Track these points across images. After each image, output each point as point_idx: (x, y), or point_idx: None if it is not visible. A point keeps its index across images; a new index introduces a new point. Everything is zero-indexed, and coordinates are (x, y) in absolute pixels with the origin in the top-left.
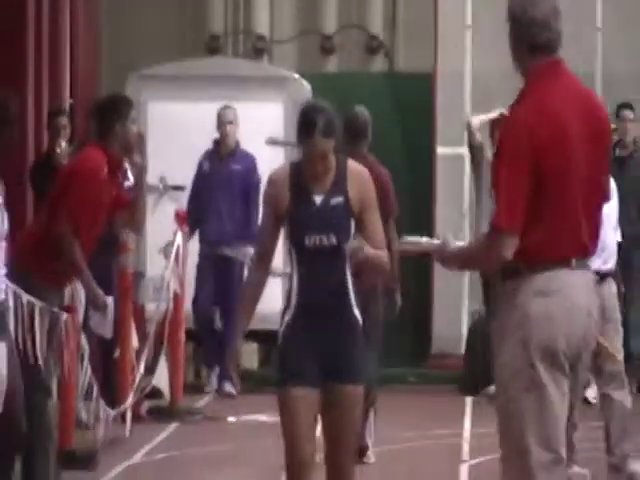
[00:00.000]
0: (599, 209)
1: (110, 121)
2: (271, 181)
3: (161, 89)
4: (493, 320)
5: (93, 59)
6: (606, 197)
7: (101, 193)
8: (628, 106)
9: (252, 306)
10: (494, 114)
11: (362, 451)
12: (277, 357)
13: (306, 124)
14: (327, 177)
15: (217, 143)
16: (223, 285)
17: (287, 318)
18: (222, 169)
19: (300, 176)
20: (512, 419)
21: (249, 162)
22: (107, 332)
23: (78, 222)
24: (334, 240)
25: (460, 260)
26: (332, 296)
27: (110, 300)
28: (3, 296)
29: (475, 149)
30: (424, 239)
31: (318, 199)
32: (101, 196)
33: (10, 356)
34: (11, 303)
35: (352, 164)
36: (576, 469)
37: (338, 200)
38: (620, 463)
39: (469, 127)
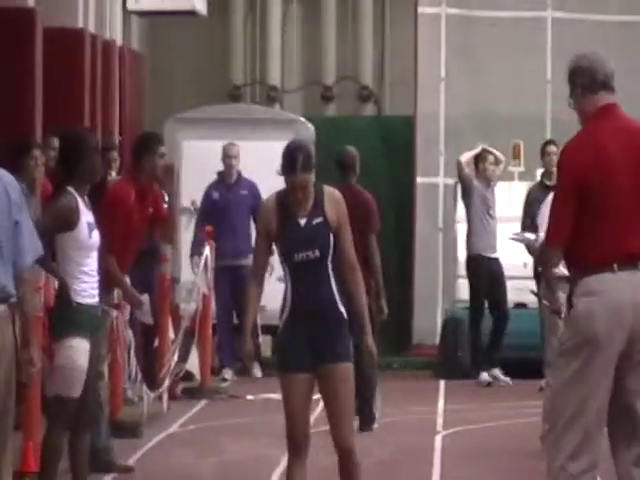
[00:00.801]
0: None
1: (140, 155)
2: (262, 209)
3: (192, 130)
4: None
5: (138, 105)
6: None
7: (129, 215)
8: (552, 142)
9: (254, 308)
10: (477, 150)
11: (372, 419)
12: (276, 349)
13: (289, 162)
14: (308, 202)
15: (221, 174)
16: (238, 291)
17: (284, 317)
18: (231, 195)
19: (286, 203)
20: (557, 397)
21: (253, 188)
22: (149, 319)
23: (111, 240)
24: (318, 254)
25: (536, 258)
26: (319, 299)
27: (145, 297)
28: (98, 301)
29: (464, 180)
30: (527, 234)
31: (302, 221)
32: (130, 217)
33: (92, 353)
34: None
35: (327, 188)
36: None
37: (319, 220)
38: (543, 437)
39: (459, 164)
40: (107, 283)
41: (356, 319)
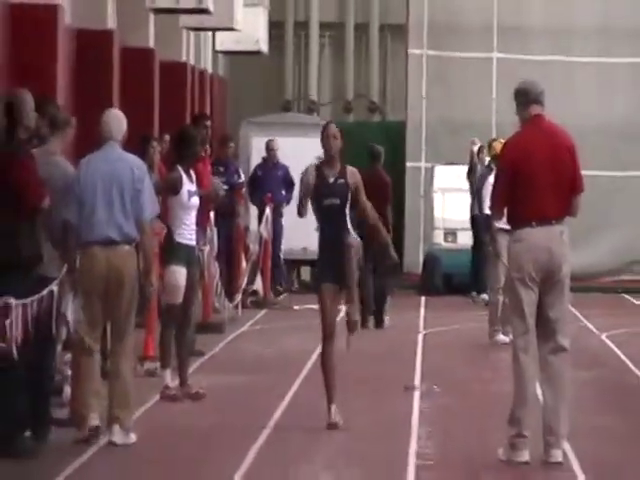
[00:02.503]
0: (567, 193)
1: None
2: (305, 171)
3: (259, 130)
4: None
5: (221, 113)
6: (575, 186)
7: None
8: (496, 139)
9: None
10: (477, 146)
11: (382, 321)
12: (315, 270)
13: (327, 122)
14: (336, 169)
15: (264, 159)
16: (275, 233)
17: (319, 249)
18: (271, 174)
19: (321, 169)
20: (509, 305)
21: (285, 170)
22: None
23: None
24: (338, 202)
25: None
26: (339, 234)
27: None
28: (195, 243)
29: (472, 164)
30: None
31: (331, 180)
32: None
33: (188, 277)
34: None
35: (349, 167)
36: (501, 337)
37: (341, 181)
38: (492, 337)
39: (472, 153)
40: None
41: (378, 241)
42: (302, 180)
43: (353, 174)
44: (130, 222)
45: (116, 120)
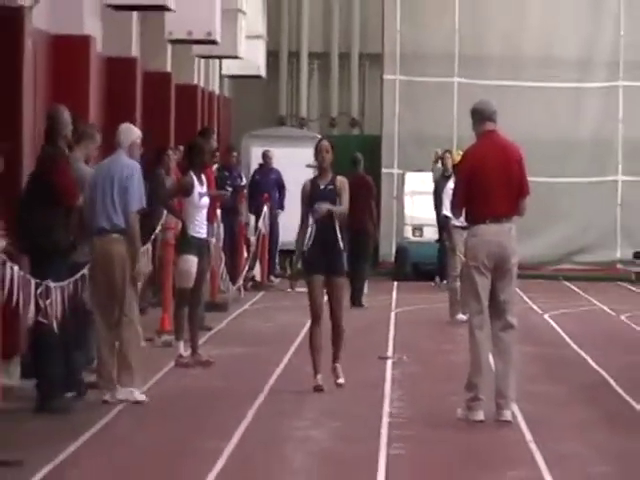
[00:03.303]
0: (515, 196)
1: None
2: (303, 187)
3: (257, 141)
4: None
5: (227, 127)
6: (522, 190)
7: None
8: (448, 151)
9: (303, 238)
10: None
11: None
12: (304, 262)
13: (320, 138)
14: (327, 179)
15: (261, 165)
16: (273, 229)
17: (309, 243)
18: (267, 178)
19: (315, 180)
20: (466, 289)
21: (279, 174)
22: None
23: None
24: (329, 205)
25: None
26: (328, 233)
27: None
28: (205, 236)
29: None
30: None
31: (322, 187)
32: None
33: (199, 265)
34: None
35: (338, 176)
36: (460, 316)
37: (330, 187)
38: (452, 316)
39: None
40: (214, 202)
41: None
42: (302, 197)
43: (341, 182)
44: (118, 213)
45: (125, 131)
